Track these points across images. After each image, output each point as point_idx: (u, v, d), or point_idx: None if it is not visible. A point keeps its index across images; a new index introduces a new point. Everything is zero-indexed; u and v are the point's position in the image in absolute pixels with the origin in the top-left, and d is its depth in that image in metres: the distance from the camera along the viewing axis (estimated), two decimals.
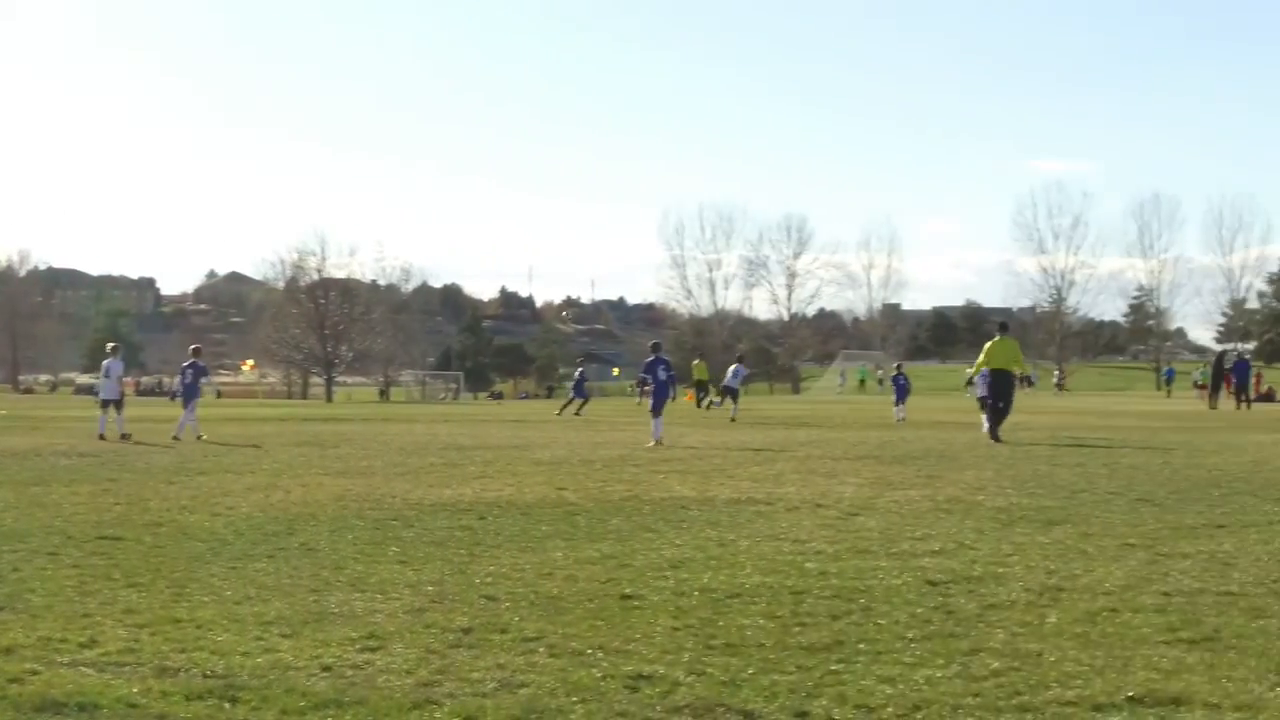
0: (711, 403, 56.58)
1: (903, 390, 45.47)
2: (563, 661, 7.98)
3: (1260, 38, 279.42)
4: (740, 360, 51.95)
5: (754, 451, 27.15)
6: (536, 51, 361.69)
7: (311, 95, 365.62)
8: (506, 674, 7.67)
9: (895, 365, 55.54)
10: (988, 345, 32.12)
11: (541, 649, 8.33)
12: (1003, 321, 36.19)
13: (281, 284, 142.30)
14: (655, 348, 33.99)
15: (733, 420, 44.36)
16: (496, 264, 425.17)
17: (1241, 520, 14.76)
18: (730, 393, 48.66)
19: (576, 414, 51.03)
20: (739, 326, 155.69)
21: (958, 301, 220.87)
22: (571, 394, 56.37)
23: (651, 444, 29.42)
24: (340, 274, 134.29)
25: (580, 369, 61.96)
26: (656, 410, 31.19)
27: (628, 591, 10.38)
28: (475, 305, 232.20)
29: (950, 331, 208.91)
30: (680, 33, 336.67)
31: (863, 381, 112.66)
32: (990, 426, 31.15)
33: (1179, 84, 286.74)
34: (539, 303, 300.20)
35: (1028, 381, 46.04)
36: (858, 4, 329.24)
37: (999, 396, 31.78)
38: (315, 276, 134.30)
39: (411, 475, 21.24)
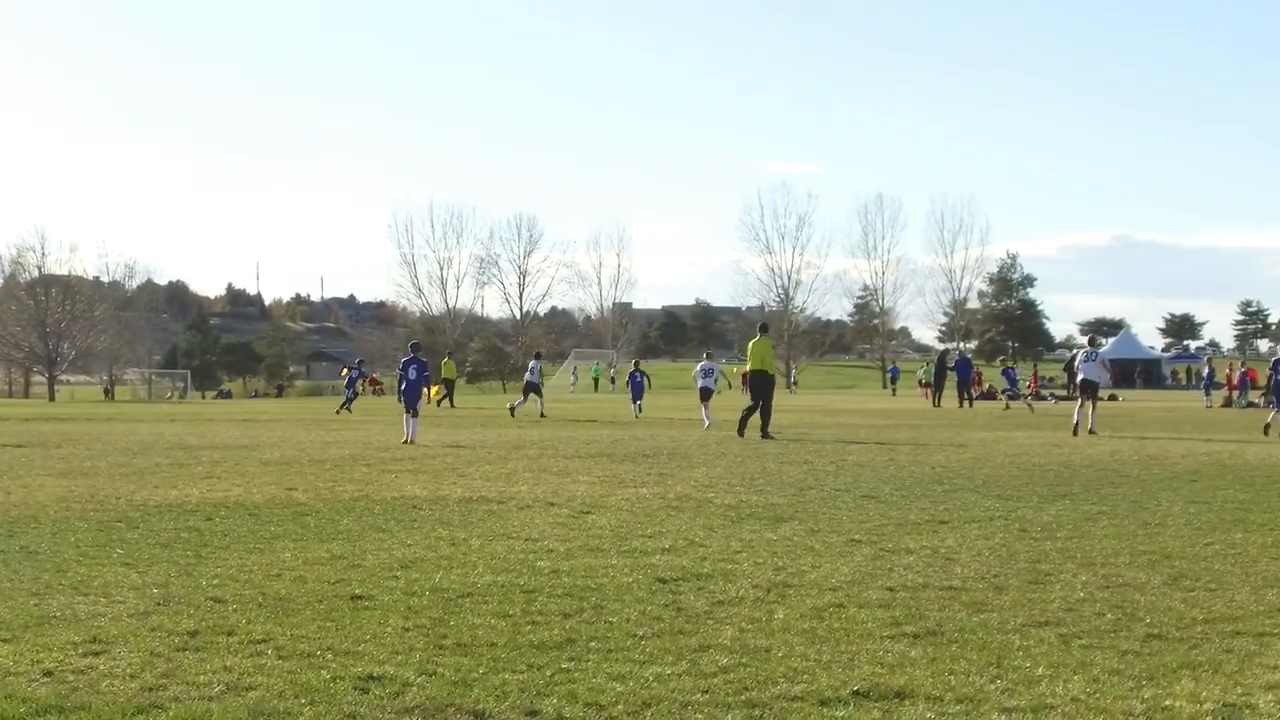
0: (512, 406, 56.97)
1: (639, 388, 45.98)
2: (291, 663, 7.88)
3: (976, 41, 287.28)
4: (538, 357, 52.51)
5: (487, 450, 27.11)
6: (257, 47, 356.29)
7: (28, 86, 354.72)
8: (234, 677, 7.54)
9: (634, 362, 56.47)
10: (750, 345, 33.63)
11: (270, 651, 8.20)
12: (763, 323, 38.84)
13: (0, 281, 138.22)
14: (414, 348, 34.90)
15: (542, 416, 46.16)
16: (223, 261, 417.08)
17: (964, 516, 15.16)
18: (533, 388, 49.18)
19: (347, 410, 52.78)
20: (471, 325, 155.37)
21: (688, 301, 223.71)
22: (347, 392, 56.82)
23: (406, 440, 29.82)
24: (61, 271, 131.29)
25: (352, 366, 62.02)
26: (411, 408, 31.31)
27: (358, 592, 10.28)
28: (202, 303, 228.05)
29: (681, 330, 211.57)
30: (409, 27, 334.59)
31: (596, 380, 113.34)
32: (761, 426, 31.78)
33: (900, 86, 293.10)
34: (267, 300, 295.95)
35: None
36: (589, 3, 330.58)
37: (757, 396, 32.74)
38: (35, 274, 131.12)
39: (136, 476, 20.79)
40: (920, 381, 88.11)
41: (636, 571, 11.18)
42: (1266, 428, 33.52)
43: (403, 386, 33.27)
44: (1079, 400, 35.43)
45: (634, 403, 46.06)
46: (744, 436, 31.41)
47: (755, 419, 32.22)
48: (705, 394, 39.37)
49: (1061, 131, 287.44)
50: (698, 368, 41.41)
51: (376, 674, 7.58)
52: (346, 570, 11.38)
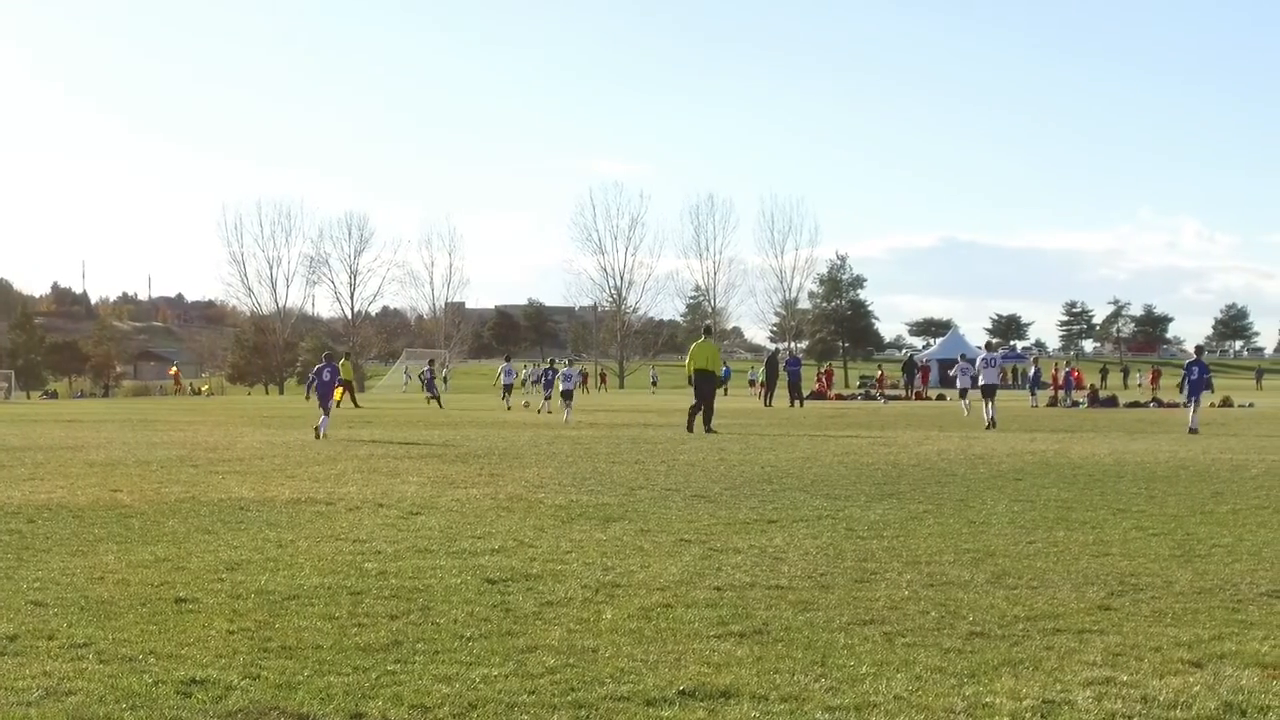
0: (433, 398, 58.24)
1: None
2: (113, 668, 7.74)
3: (805, 42, 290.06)
4: (508, 359, 55.01)
5: (316, 450, 26.87)
6: (81, 42, 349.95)
7: None
8: (53, 681, 7.40)
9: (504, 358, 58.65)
10: (692, 346, 36.18)
11: (91, 655, 8.06)
12: (707, 325, 42.13)
13: None
14: (327, 356, 38.04)
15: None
16: (48, 259, 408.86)
17: (792, 515, 15.28)
18: (429, 386, 53.77)
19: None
20: (301, 324, 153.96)
21: (520, 300, 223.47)
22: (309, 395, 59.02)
23: (316, 437, 31.37)
24: None
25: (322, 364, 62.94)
26: (324, 407, 33.59)
27: (182, 595, 10.14)
28: (26, 301, 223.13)
29: (514, 330, 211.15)
30: (237, 24, 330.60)
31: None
32: (704, 422, 34.23)
33: (730, 87, 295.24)
34: (94, 299, 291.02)
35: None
36: (423, 4, 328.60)
37: (700, 395, 35.17)
38: None
39: None
40: (751, 381, 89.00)
41: (465, 573, 11.14)
42: (1193, 430, 34.85)
43: (315, 386, 35.66)
44: (984, 400, 39.74)
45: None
46: (692, 431, 33.55)
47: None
48: (507, 390, 40.98)
49: (887, 134, 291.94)
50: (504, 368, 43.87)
51: (199, 678, 7.48)
52: (171, 573, 11.21)
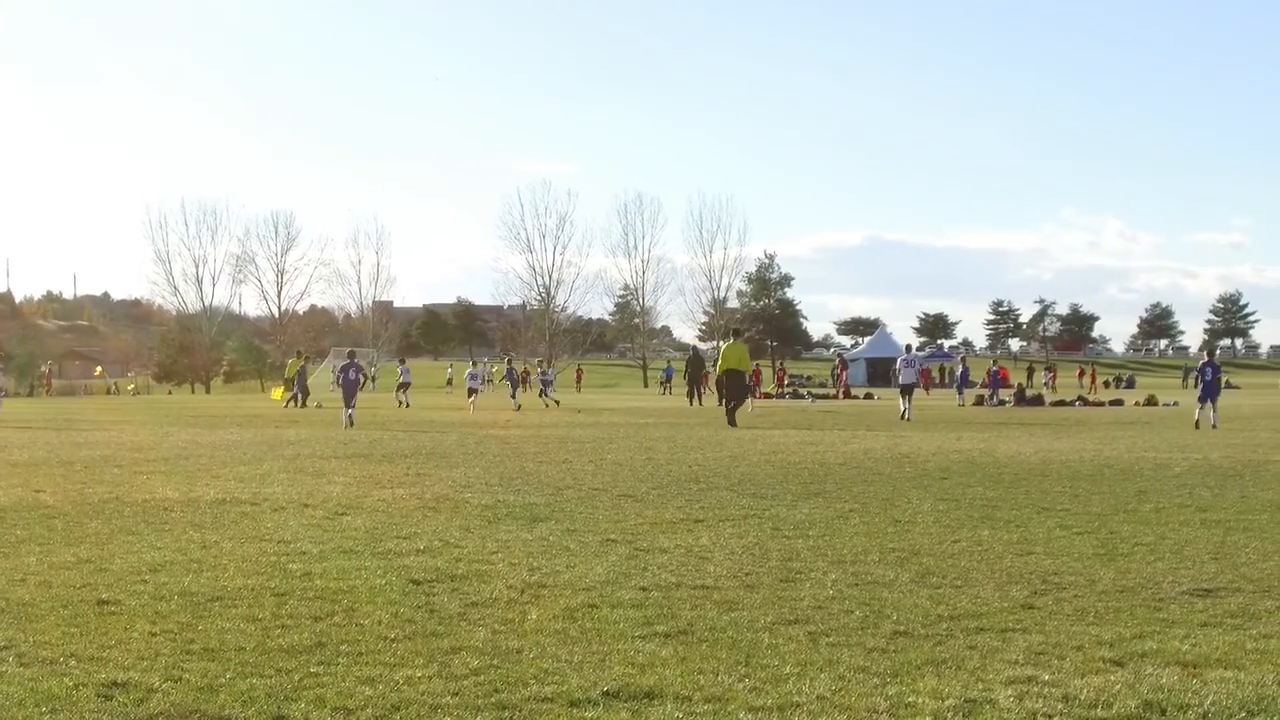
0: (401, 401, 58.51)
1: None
2: (33, 670, 7.67)
3: (729, 41, 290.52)
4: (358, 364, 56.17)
5: (242, 450, 26.74)
6: (6, 35, 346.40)
7: None
8: None
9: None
10: (724, 348, 40.88)
11: (11, 658, 7.97)
12: (735, 328, 48.78)
13: None
14: (351, 354, 46.35)
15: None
16: None
17: (718, 514, 15.31)
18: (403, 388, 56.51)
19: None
20: (228, 323, 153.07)
21: (449, 299, 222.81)
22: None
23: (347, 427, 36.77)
24: None
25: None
26: (348, 402, 39.89)
27: (104, 597, 10.05)
28: None
29: (442, 329, 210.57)
30: (159, 20, 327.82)
31: (373, 379, 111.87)
32: (729, 416, 37.75)
33: (656, 86, 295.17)
34: (18, 298, 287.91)
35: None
36: (348, 2, 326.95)
37: (731, 394, 39.15)
38: None
39: None
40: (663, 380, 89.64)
41: (390, 573, 11.09)
42: (1198, 423, 36.80)
43: (343, 384, 41.77)
44: (901, 396, 44.39)
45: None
46: (735, 425, 36.86)
47: (735, 407, 38.40)
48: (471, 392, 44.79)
49: (814, 133, 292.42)
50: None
51: (121, 680, 7.41)
52: (93, 574, 11.11)
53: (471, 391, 55.00)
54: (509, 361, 61.48)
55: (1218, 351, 42.28)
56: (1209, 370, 38.65)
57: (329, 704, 6.96)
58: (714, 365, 64.61)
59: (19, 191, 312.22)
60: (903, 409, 43.38)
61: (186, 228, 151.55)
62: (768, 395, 75.59)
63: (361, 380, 44.22)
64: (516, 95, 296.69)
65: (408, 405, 56.72)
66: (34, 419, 45.68)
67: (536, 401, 60.20)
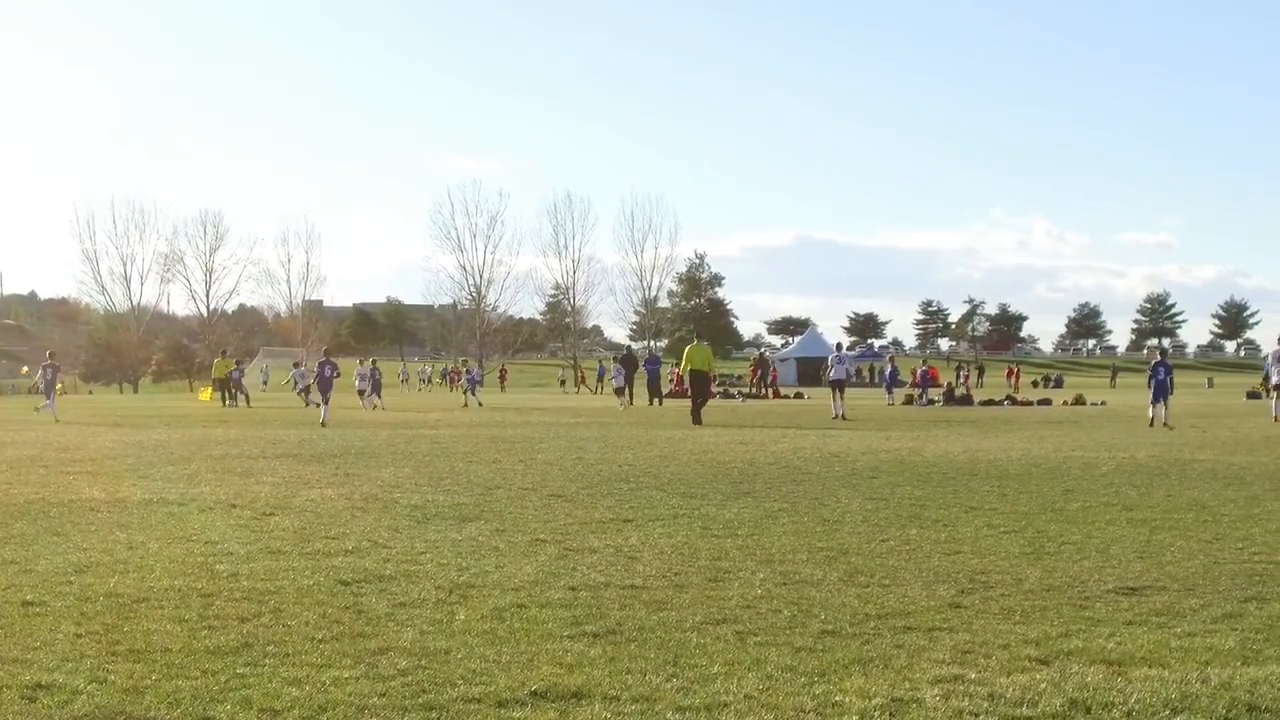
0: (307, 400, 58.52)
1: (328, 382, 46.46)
2: None
3: (655, 40, 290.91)
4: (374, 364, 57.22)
5: (170, 450, 26.57)
6: None
7: None
8: None
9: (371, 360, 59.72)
10: (686, 349, 41.64)
11: None
12: (695, 329, 49.45)
13: None
14: (327, 353, 47.23)
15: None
16: None
17: (648, 514, 15.33)
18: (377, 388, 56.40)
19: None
20: (156, 322, 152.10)
21: (379, 298, 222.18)
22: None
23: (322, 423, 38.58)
24: None
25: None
26: (324, 398, 42.08)
27: (29, 598, 9.97)
28: None
29: (373, 328, 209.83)
30: (84, 17, 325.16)
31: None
32: (693, 413, 39.12)
33: (586, 86, 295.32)
34: None
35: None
36: (278, 5, 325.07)
37: (697, 392, 40.65)
38: None
39: None
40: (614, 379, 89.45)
41: (318, 574, 11.06)
42: (1152, 421, 38.02)
43: (319, 382, 43.78)
44: (833, 394, 45.54)
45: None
46: (701, 423, 38.04)
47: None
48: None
49: (741, 132, 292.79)
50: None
51: (45, 682, 7.37)
52: (18, 576, 11.03)
53: (361, 393, 54.88)
54: (464, 362, 62.18)
55: (1169, 351, 43.16)
56: (1161, 370, 39.09)
57: (255, 705, 6.93)
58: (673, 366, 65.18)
59: None
60: (835, 409, 44.22)
61: (114, 226, 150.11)
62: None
63: (336, 375, 45.17)
64: (447, 94, 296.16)
65: (383, 407, 56.15)
66: None
67: (468, 399, 60.18)
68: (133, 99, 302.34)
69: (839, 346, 53.60)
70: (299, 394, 61.41)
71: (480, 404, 58.60)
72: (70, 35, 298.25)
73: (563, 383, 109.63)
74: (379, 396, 54.55)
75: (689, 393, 41.61)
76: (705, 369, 41.53)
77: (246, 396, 63.06)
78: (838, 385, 45.78)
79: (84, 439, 31.15)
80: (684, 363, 41.68)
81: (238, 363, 68.63)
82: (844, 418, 42.61)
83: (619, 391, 57.87)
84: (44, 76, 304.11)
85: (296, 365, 68.40)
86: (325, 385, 42.99)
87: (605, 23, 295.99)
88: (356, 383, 55.81)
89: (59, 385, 50.22)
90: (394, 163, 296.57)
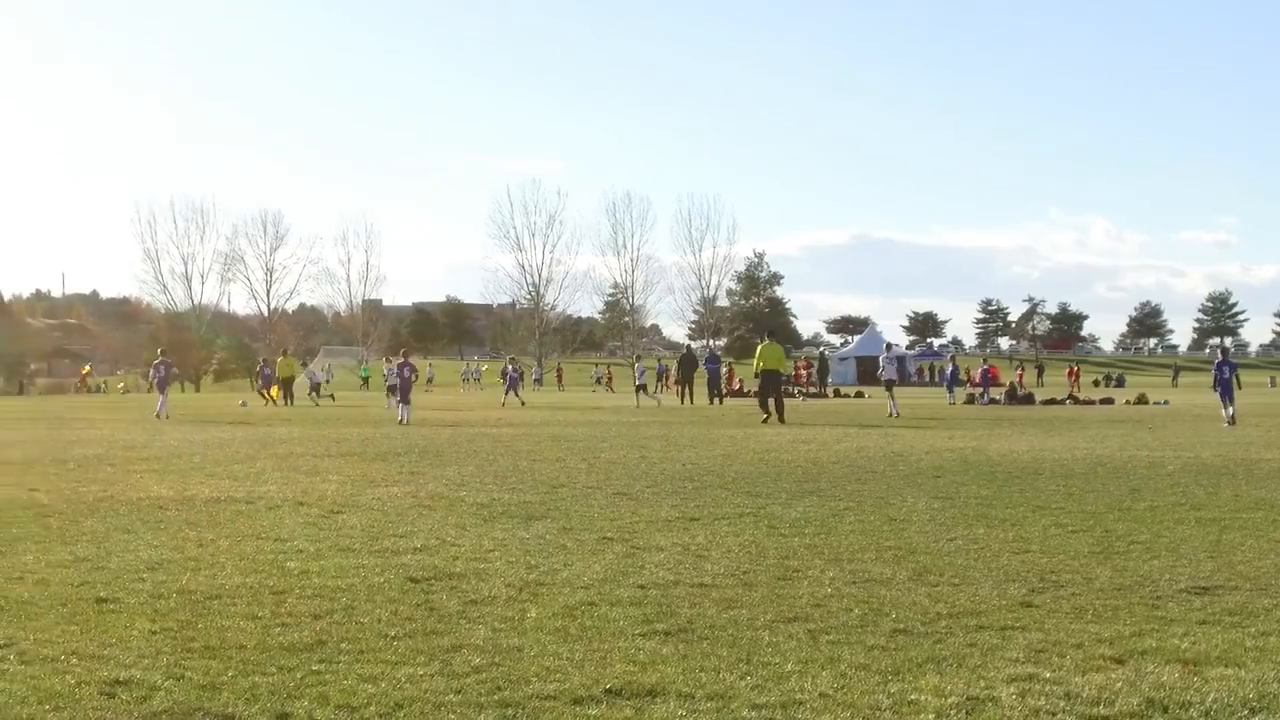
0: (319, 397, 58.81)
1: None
2: (35, 669, 7.67)
3: (714, 43, 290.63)
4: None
5: (235, 448, 26.73)
6: (5, 34, 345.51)
7: None
8: None
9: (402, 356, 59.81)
10: (759, 348, 41.24)
11: (12, 656, 7.98)
12: (770, 329, 48.49)
13: None
14: (405, 353, 48.65)
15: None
16: None
17: (714, 513, 15.31)
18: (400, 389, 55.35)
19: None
20: (217, 322, 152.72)
21: (438, 297, 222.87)
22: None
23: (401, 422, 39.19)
24: None
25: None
26: (404, 399, 41.91)
27: (103, 595, 10.05)
28: None
29: (432, 327, 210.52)
30: (144, 18, 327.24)
31: (366, 379, 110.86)
32: (778, 415, 38.62)
33: (643, 83, 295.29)
34: (6, 297, 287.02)
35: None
36: (337, 6, 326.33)
37: (771, 391, 39.98)
38: None
39: None
40: (674, 380, 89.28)
41: (388, 571, 11.10)
42: (1229, 420, 37.10)
43: (398, 382, 43.85)
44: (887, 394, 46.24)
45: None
46: (767, 422, 37.99)
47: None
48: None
49: (800, 132, 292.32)
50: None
51: (123, 678, 7.42)
52: (91, 573, 11.11)
53: (391, 389, 55.07)
54: (510, 360, 61.91)
55: (1231, 350, 43.12)
56: (1225, 369, 38.74)
57: (332, 701, 6.97)
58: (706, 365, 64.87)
59: (7, 189, 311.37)
60: (890, 408, 44.11)
61: (175, 226, 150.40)
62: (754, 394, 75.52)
63: (415, 377, 45.38)
64: (506, 94, 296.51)
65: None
66: (25, 415, 45.65)
67: (531, 399, 60.31)
68: (193, 99, 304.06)
69: (888, 346, 55.10)
70: (309, 395, 61.53)
71: (522, 403, 58.52)
72: (129, 36, 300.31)
73: (598, 381, 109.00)
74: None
75: (760, 392, 41.00)
76: (778, 368, 41.37)
77: (290, 397, 62.99)
78: (890, 385, 46.25)
79: (149, 438, 31.35)
80: (757, 361, 41.16)
81: (262, 364, 68.65)
82: (897, 415, 42.54)
83: (641, 389, 57.80)
84: (104, 76, 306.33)
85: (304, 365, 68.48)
86: (405, 387, 42.93)
87: (663, 22, 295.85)
88: (388, 378, 56.08)
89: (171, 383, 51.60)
90: (453, 162, 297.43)
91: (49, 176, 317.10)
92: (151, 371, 51.89)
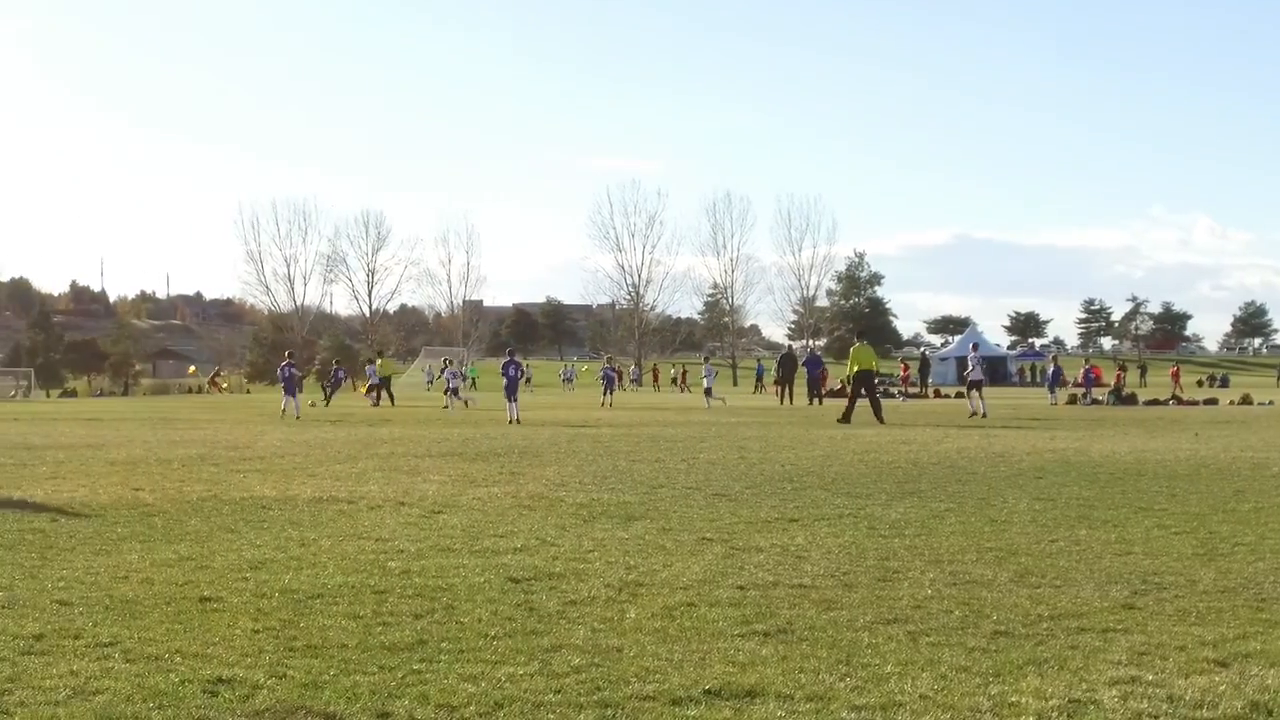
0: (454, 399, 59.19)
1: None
2: (139, 667, 7.76)
3: (813, 43, 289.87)
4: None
5: (337, 449, 26.92)
6: (97, 41, 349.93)
7: None
8: (80, 681, 7.40)
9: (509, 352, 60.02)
10: (852, 350, 41.45)
11: (117, 654, 8.07)
12: (860, 329, 50.66)
13: None
14: (511, 352, 48.76)
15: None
16: (67, 257, 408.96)
17: (813, 514, 15.27)
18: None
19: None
20: (319, 322, 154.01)
21: (538, 298, 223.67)
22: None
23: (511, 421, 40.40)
24: None
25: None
26: (512, 397, 42.52)
27: (206, 594, 10.15)
28: (45, 300, 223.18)
29: (532, 328, 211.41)
30: (251, 21, 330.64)
31: (474, 379, 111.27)
32: (874, 414, 38.67)
33: (745, 85, 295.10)
34: (112, 297, 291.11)
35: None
36: (436, 2, 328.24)
37: (866, 390, 40.19)
38: None
39: None
40: (776, 380, 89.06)
41: (488, 571, 11.15)
42: None
43: (506, 383, 43.84)
44: (974, 393, 45.52)
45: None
46: (849, 423, 37.61)
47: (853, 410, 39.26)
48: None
49: (899, 131, 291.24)
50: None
51: (226, 677, 7.49)
52: (194, 572, 11.24)
53: (454, 391, 55.40)
54: (607, 360, 62.00)
55: None
56: None
57: (433, 701, 7.00)
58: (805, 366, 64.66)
59: (113, 193, 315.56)
60: (981, 408, 44.02)
61: (277, 227, 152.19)
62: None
63: (522, 376, 46.46)
64: (605, 94, 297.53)
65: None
66: (130, 415, 46.15)
67: (634, 400, 60.33)
68: (293, 101, 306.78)
69: (974, 346, 55.49)
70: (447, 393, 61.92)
71: (610, 405, 58.49)
72: (231, 40, 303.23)
73: (673, 381, 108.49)
74: (458, 397, 55.19)
75: (851, 393, 40.68)
76: (870, 368, 41.09)
77: (392, 397, 63.17)
78: (977, 385, 45.95)
79: (252, 438, 31.64)
80: (850, 364, 41.13)
81: (335, 366, 68.84)
82: (984, 415, 42.54)
83: (708, 392, 57.53)
84: (207, 81, 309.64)
85: (447, 365, 68.49)
86: (512, 386, 43.59)
87: (761, 22, 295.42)
88: (449, 381, 56.39)
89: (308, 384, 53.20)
90: (553, 163, 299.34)
91: (154, 180, 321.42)
92: (278, 373, 53.04)
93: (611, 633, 8.70)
